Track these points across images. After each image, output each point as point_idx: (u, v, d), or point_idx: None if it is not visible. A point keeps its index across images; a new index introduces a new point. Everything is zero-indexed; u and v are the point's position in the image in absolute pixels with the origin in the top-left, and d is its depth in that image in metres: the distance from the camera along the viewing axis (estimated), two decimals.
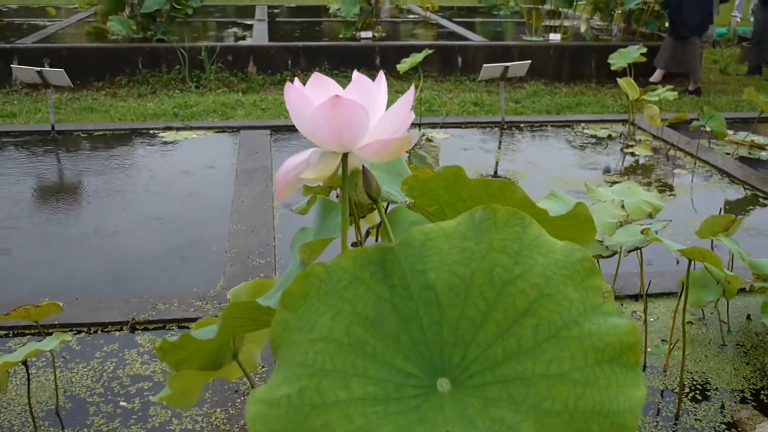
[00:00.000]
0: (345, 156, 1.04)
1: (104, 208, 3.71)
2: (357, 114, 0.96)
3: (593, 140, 5.02)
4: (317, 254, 1.16)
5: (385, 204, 1.64)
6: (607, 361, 0.85)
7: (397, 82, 7.22)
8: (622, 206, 2.26)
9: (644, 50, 5.96)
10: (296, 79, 1.04)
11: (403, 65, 4.86)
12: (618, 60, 5.77)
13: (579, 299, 0.90)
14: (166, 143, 4.76)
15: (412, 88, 1.04)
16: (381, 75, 1.05)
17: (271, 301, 1.10)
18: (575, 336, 0.87)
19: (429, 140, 1.95)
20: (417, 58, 4.81)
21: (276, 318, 0.93)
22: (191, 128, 5.03)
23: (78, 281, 2.96)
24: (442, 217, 1.22)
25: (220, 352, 1.31)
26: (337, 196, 2.13)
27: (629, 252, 2.40)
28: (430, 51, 4.98)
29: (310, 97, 1.00)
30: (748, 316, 2.64)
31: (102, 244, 3.30)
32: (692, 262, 2.25)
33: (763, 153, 4.79)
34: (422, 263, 0.93)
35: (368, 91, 1.00)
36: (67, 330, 2.47)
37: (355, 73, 1.03)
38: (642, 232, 2.23)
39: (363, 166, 1.12)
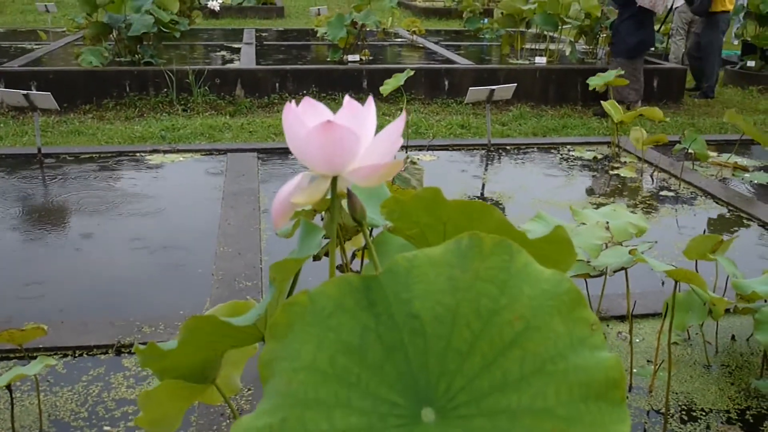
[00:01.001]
0: (334, 179, 1.06)
1: (90, 231, 3.70)
2: (348, 139, 0.99)
3: (579, 162, 5.06)
4: (291, 274, 1.16)
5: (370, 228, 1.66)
6: (593, 397, 0.85)
7: (384, 105, 7.26)
8: (607, 228, 2.28)
9: (622, 72, 6.04)
10: (293, 102, 1.06)
11: (386, 87, 4.83)
12: (596, 81, 5.82)
13: (566, 332, 0.90)
14: (152, 166, 4.76)
15: (404, 114, 1.06)
16: (370, 100, 1.07)
17: (239, 318, 1.11)
18: (561, 370, 0.87)
19: (413, 163, 1.97)
20: (399, 80, 4.79)
21: (265, 348, 0.94)
22: (178, 151, 5.03)
23: (64, 304, 2.94)
24: (422, 240, 1.24)
25: (207, 367, 1.31)
26: (322, 219, 2.14)
27: (615, 272, 2.42)
28: (412, 72, 4.95)
29: (305, 119, 1.02)
30: (733, 337, 2.66)
31: (87, 266, 3.29)
32: (677, 283, 2.27)
33: (746, 174, 4.84)
34: (407, 292, 0.93)
35: (358, 116, 1.03)
36: (52, 353, 2.45)
37: (346, 98, 1.05)
38: (630, 253, 2.25)
39: (348, 189, 1.13)
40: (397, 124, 1.03)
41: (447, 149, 5.29)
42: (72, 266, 3.30)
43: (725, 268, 2.19)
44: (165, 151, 5.01)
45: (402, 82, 4.76)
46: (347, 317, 0.92)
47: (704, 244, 2.21)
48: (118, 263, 3.32)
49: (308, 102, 1.05)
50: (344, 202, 1.18)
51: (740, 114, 7.70)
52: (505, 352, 0.88)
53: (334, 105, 7.42)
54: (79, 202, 4.11)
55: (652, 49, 8.10)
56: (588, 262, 2.42)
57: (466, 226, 1.18)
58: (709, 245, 2.20)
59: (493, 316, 0.90)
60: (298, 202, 1.04)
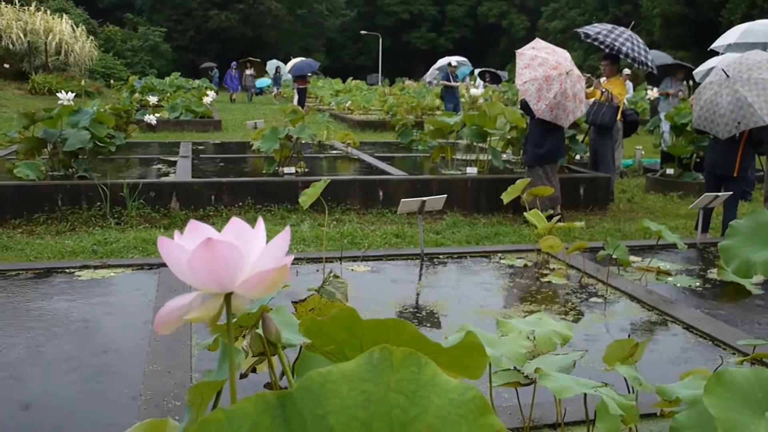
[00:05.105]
0: (228, 297, 1.08)
1: (11, 352, 3.57)
2: (231, 254, 1.01)
3: (510, 270, 5.18)
4: (208, 397, 1.17)
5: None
6: None
7: (322, 216, 7.35)
8: (533, 337, 2.33)
9: (528, 181, 6.24)
10: (176, 232, 1.09)
11: (305, 198, 4.72)
12: (506, 195, 5.89)
13: None
14: (82, 282, 4.67)
15: (288, 228, 1.09)
16: (260, 221, 1.11)
17: None
18: None
19: (336, 277, 2.01)
20: (317, 190, 4.69)
21: None
22: (109, 266, 4.96)
23: None
24: (340, 355, 1.26)
25: None
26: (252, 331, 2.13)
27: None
28: (328, 181, 4.89)
29: (187, 244, 1.04)
30: None
31: (6, 389, 3.16)
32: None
33: (670, 278, 5.02)
34: (322, 408, 0.96)
35: (243, 233, 1.05)
36: None
37: (233, 218, 1.08)
38: (535, 371, 2.29)
39: (263, 313, 1.16)
40: (283, 237, 1.06)
41: (381, 259, 5.35)
42: None
43: (626, 376, 2.25)
44: (95, 267, 4.94)
45: (319, 193, 4.68)
46: None
47: (621, 350, 2.29)
48: (41, 385, 3.20)
49: (193, 225, 1.08)
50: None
51: (663, 219, 8.06)
52: None
53: (270, 217, 7.49)
54: (2, 321, 3.99)
55: (564, 158, 8.43)
56: (519, 370, 2.46)
57: (382, 341, 1.21)
58: (626, 349, 2.28)
59: (404, 427, 0.94)
60: (191, 319, 1.06)
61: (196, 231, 1.07)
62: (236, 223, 1.06)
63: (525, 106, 7.63)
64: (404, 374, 0.98)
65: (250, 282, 1.03)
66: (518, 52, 7.61)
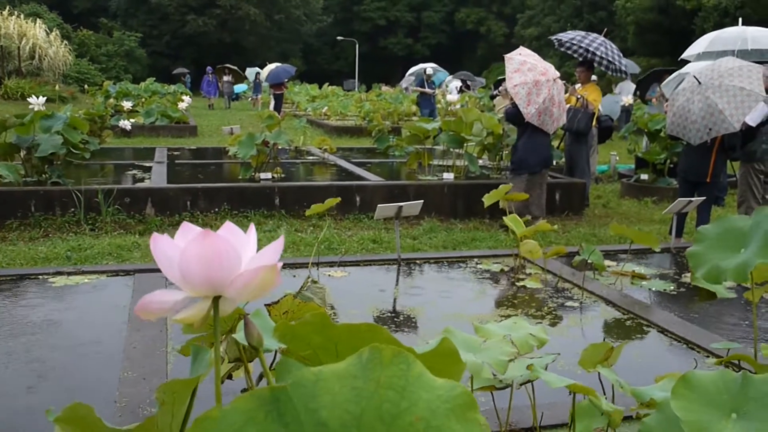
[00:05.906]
0: (216, 300, 1.07)
1: None
2: (226, 251, 1.00)
3: (487, 275, 5.19)
4: (181, 397, 1.16)
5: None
6: None
7: (298, 221, 7.33)
8: (513, 343, 2.34)
9: (511, 187, 6.29)
10: (166, 235, 1.08)
11: (312, 210, 5.09)
12: (488, 198, 5.92)
13: (462, 430, 0.98)
14: (55, 289, 4.61)
15: (282, 237, 1.10)
16: (252, 227, 1.10)
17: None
18: None
19: (314, 282, 2.01)
20: (325, 205, 5.02)
21: None
22: (83, 272, 4.90)
23: None
24: (315, 360, 1.26)
25: None
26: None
27: (521, 385, 2.47)
28: (339, 199, 5.19)
29: (180, 243, 1.03)
30: None
31: None
32: (574, 395, 2.35)
33: (644, 282, 5.07)
34: (314, 402, 0.99)
35: (237, 236, 1.05)
36: None
37: (227, 223, 1.08)
38: (527, 368, 2.31)
39: (245, 317, 1.15)
40: (277, 245, 1.06)
41: (358, 265, 5.35)
42: None
43: (609, 378, 2.27)
44: (69, 273, 4.88)
45: (332, 204, 5.04)
46: (257, 429, 0.96)
47: (597, 353, 2.31)
48: (10, 394, 3.16)
49: (186, 227, 1.07)
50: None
51: (638, 224, 8.14)
52: None
53: (246, 222, 7.44)
54: None
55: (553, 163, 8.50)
56: (495, 375, 2.47)
57: (358, 345, 1.21)
58: (601, 353, 2.30)
59: (395, 419, 0.97)
60: (178, 320, 1.05)
61: (190, 232, 1.06)
62: (229, 227, 1.06)
63: (512, 115, 7.65)
64: (394, 371, 1.01)
65: (240, 279, 1.02)
66: (507, 56, 7.65)
